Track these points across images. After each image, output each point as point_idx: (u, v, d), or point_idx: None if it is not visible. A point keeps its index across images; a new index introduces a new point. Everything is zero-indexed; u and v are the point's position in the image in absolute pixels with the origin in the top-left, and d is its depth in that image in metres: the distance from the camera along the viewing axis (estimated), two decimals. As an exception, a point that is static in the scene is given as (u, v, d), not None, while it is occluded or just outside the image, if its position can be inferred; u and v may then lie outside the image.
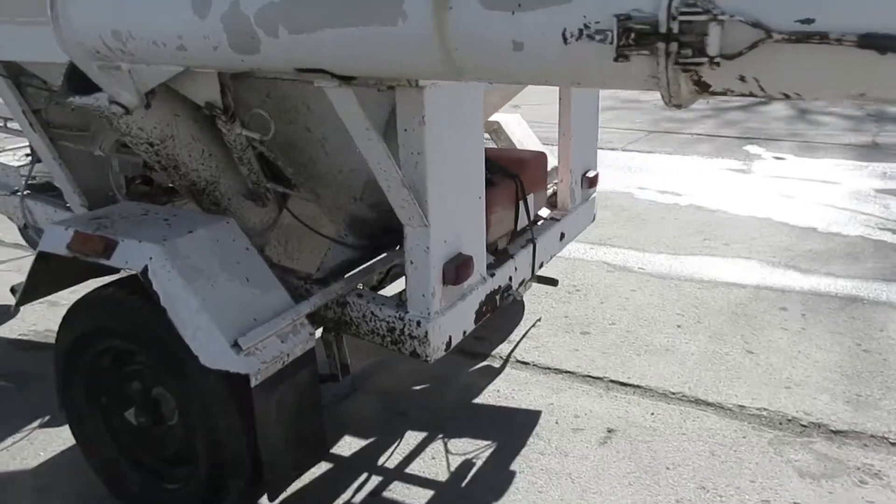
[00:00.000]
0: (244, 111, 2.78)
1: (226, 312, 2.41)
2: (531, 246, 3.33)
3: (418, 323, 2.63)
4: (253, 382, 2.35)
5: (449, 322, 2.68)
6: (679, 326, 4.46)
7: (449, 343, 2.71)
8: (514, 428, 3.48)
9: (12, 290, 3.07)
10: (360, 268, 3.04)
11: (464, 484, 3.10)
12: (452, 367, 4.03)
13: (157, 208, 2.81)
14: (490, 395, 3.79)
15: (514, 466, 3.19)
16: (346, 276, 2.93)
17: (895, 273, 5.16)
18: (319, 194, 3.19)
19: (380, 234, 3.45)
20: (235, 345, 2.34)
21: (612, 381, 3.86)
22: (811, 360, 4.00)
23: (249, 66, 2.04)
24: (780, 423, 3.43)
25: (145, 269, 2.37)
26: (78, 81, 2.70)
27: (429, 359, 2.65)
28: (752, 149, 9.11)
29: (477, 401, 3.75)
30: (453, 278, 2.62)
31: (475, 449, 3.32)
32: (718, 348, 4.16)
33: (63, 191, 3.86)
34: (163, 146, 2.85)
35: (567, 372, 3.97)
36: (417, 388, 3.90)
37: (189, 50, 2.07)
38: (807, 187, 7.29)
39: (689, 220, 6.43)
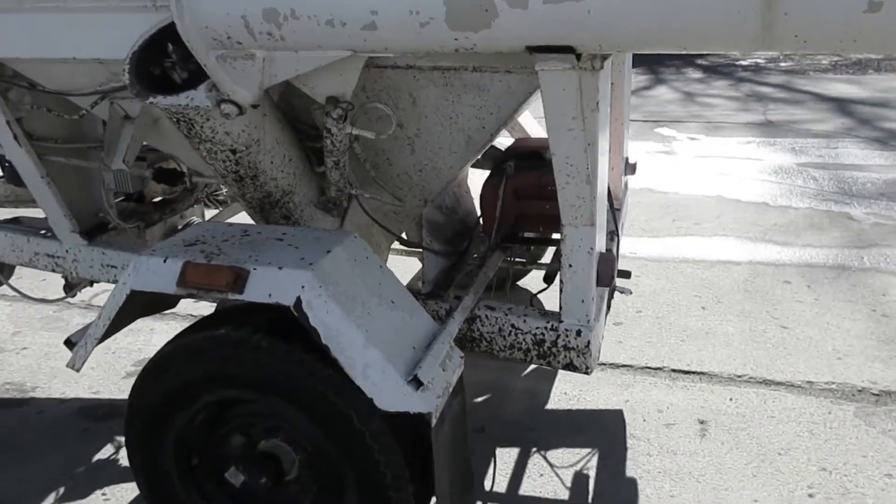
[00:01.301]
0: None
1: (391, 344, 2.04)
2: (616, 240, 3.15)
3: (578, 332, 2.37)
4: (433, 422, 2.01)
5: (601, 328, 2.45)
6: (704, 308, 4.46)
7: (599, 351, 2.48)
8: (604, 431, 3.30)
9: (68, 343, 2.47)
10: (481, 277, 2.72)
11: (591, 499, 2.88)
12: (500, 373, 3.78)
13: (248, 226, 2.35)
14: (560, 399, 3.58)
15: (630, 473, 3.01)
16: (475, 286, 2.61)
17: (862, 240, 5.47)
18: (400, 197, 2.84)
19: (453, 238, 3.15)
20: (413, 380, 1.99)
21: (673, 371, 3.77)
22: (843, 329, 4.12)
23: (456, 46, 1.69)
24: (854, 395, 3.47)
25: (298, 302, 1.95)
26: (147, 78, 2.20)
27: (589, 370, 2.41)
28: (664, 131, 9.44)
29: (550, 407, 3.53)
30: (607, 279, 2.39)
31: (578, 459, 3.11)
32: (753, 326, 4.19)
33: (48, 215, 3.22)
34: (246, 152, 2.39)
35: (624, 366, 3.84)
36: (479, 399, 3.61)
37: (381, 29, 1.69)
38: (735, 164, 7.62)
39: (652, 203, 6.51)
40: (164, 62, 2.23)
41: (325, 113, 2.26)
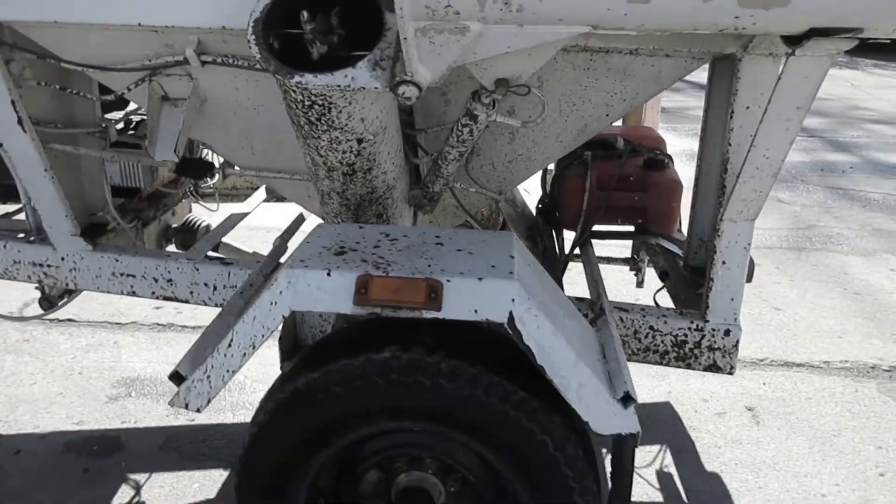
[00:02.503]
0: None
1: (590, 358, 1.83)
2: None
3: (727, 332, 2.27)
4: (637, 441, 1.83)
5: (739, 325, 2.36)
6: (695, 293, 4.54)
7: (734, 349, 2.39)
8: (663, 425, 3.26)
9: (176, 377, 1.97)
10: (592, 276, 2.54)
11: (686, 497, 2.81)
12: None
13: (385, 228, 2.01)
14: (604, 395, 3.49)
15: (709, 467, 2.98)
16: (594, 287, 2.42)
17: (801, 221, 5.85)
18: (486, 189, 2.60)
19: (526, 233, 2.95)
20: (625, 398, 1.79)
21: (698, 358, 3.80)
22: (828, 308, 4.35)
23: (734, 25, 1.50)
24: (868, 372, 3.67)
25: (511, 317, 1.68)
26: (281, 52, 1.81)
27: (733, 370, 2.31)
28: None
29: (598, 404, 3.43)
30: (751, 275, 2.30)
31: (653, 457, 3.04)
32: (749, 310, 4.32)
33: (45, 216, 2.65)
34: (372, 142, 2.05)
35: (651, 356, 3.82)
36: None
37: (657, 1, 1.46)
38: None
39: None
40: (283, 33, 1.85)
41: (475, 98, 1.98)
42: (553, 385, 1.73)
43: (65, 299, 3.00)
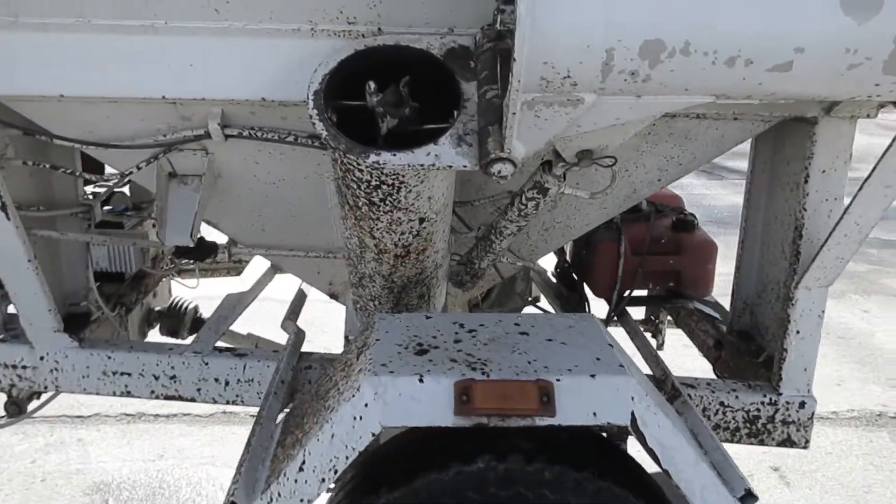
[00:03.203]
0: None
1: (703, 455, 1.66)
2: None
3: (802, 404, 2.14)
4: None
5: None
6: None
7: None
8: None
9: None
10: (648, 350, 2.38)
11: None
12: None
13: (459, 316, 1.79)
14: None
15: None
16: (655, 364, 2.26)
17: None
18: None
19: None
20: (747, 496, 1.63)
21: (709, 417, 3.70)
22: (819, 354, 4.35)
23: (875, 93, 1.39)
24: (877, 420, 3.65)
25: (633, 418, 1.49)
26: (345, 128, 1.60)
27: (808, 444, 2.19)
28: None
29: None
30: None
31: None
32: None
33: (23, 311, 2.31)
34: (433, 221, 1.85)
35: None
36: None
37: (796, 69, 1.33)
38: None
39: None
40: (343, 105, 1.65)
41: (546, 169, 1.82)
42: (645, 480, 1.55)
43: (35, 402, 2.62)
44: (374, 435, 1.47)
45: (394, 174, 1.61)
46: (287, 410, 1.98)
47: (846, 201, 1.95)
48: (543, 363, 1.56)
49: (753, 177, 2.39)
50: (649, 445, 1.51)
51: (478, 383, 1.48)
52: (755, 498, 1.63)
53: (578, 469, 1.58)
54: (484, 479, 1.56)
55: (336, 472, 1.50)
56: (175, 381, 2.36)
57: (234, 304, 2.73)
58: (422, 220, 1.81)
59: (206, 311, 3.08)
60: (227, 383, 2.34)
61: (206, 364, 2.32)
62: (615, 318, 2.66)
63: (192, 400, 2.39)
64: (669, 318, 3.02)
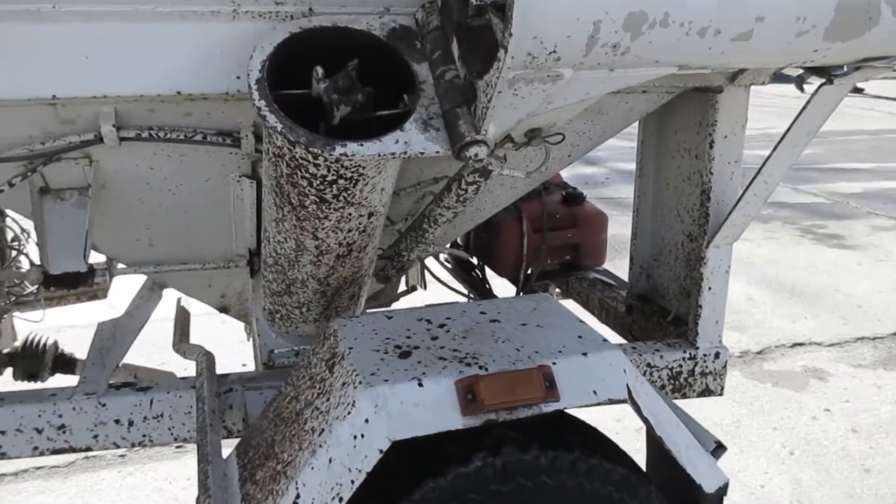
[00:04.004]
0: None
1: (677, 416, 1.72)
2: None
3: (717, 355, 2.29)
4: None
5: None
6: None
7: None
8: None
9: None
10: None
11: None
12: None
13: (418, 311, 1.68)
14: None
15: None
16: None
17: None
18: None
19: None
20: (717, 448, 1.72)
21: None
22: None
23: (807, 58, 1.48)
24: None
25: (629, 391, 1.49)
26: (300, 116, 1.44)
27: (723, 391, 2.35)
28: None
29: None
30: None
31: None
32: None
33: None
34: (380, 215, 1.72)
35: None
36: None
37: (755, 38, 1.38)
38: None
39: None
40: (286, 94, 1.49)
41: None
42: (618, 450, 1.59)
43: None
44: (381, 452, 1.35)
45: (354, 167, 1.48)
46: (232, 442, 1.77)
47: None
48: (532, 348, 1.53)
49: (643, 148, 2.51)
50: (644, 415, 1.53)
51: (481, 379, 1.41)
52: (724, 448, 1.72)
53: (570, 450, 1.56)
54: (483, 477, 1.49)
55: (341, 500, 1.35)
56: (64, 432, 2.02)
57: (113, 333, 2.39)
58: (370, 215, 1.69)
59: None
60: (130, 424, 2.04)
61: (104, 405, 2.02)
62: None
63: (88, 449, 2.07)
64: (558, 290, 3.12)
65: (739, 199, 2.03)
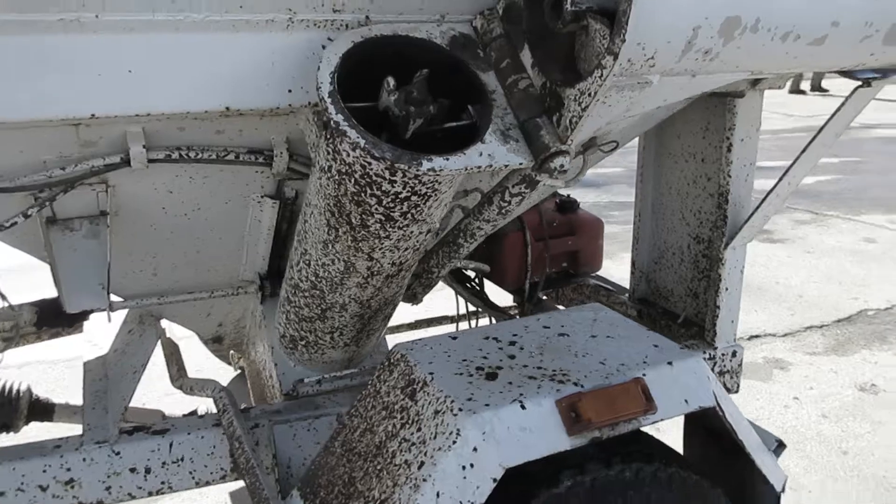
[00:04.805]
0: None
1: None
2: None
3: (734, 353, 2.33)
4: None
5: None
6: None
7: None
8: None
9: None
10: None
11: None
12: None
13: (483, 331, 1.60)
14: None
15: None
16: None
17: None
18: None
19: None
20: (778, 447, 1.75)
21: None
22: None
23: (860, 63, 1.51)
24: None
25: (716, 398, 1.48)
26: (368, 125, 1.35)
27: (738, 388, 2.39)
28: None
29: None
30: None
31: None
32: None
33: None
34: (436, 232, 1.64)
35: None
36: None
37: (828, 43, 1.38)
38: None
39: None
40: (357, 107, 1.39)
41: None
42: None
43: None
44: (495, 481, 1.28)
45: (431, 182, 1.40)
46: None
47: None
48: (616, 361, 1.49)
49: (643, 154, 2.53)
50: (728, 422, 1.52)
51: (584, 396, 1.36)
52: (785, 446, 1.74)
53: (649, 461, 1.54)
54: (575, 496, 1.44)
55: (451, 536, 1.27)
56: (73, 487, 1.83)
57: (105, 372, 2.19)
58: (428, 232, 1.61)
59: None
60: (147, 471, 1.87)
61: (117, 453, 1.83)
62: (532, 307, 2.65)
63: (101, 503, 1.87)
64: (544, 297, 3.10)
65: (763, 200, 2.07)
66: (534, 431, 1.32)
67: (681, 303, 2.51)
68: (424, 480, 1.29)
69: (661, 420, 1.44)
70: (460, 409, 1.31)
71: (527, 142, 1.42)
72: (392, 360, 1.54)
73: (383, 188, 1.40)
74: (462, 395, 1.36)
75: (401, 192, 1.41)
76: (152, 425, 1.94)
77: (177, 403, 2.56)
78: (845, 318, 4.66)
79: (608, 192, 7.65)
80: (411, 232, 1.55)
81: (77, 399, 2.22)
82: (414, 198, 1.43)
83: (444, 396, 1.36)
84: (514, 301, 2.96)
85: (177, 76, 1.38)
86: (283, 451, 1.91)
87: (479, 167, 1.36)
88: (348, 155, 1.37)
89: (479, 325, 2.95)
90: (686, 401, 1.46)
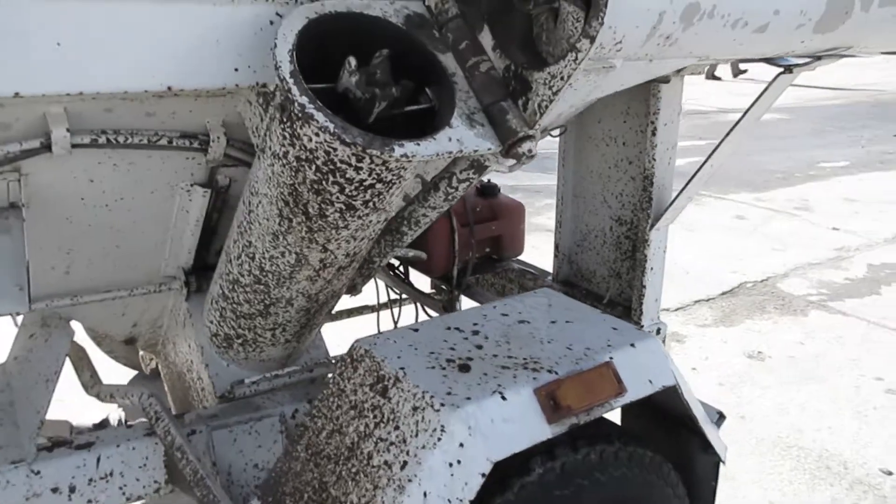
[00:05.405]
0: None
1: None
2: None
3: (658, 330, 2.41)
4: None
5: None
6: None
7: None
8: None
9: None
10: None
11: None
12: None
13: (442, 321, 1.55)
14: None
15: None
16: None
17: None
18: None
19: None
20: (719, 419, 1.83)
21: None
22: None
23: (791, 49, 1.57)
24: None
25: (674, 377, 1.52)
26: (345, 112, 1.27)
27: (662, 364, 2.48)
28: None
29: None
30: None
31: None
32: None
33: None
34: (388, 221, 1.57)
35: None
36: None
37: (769, 31, 1.42)
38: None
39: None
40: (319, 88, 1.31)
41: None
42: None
43: None
44: (483, 476, 1.25)
45: (397, 169, 1.34)
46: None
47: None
48: (582, 345, 1.50)
49: (564, 138, 2.56)
50: (685, 399, 1.57)
51: (561, 383, 1.36)
52: (724, 417, 1.83)
53: (610, 441, 1.57)
54: (547, 483, 1.45)
55: (441, 534, 1.23)
56: (-15, 514, 1.63)
57: (8, 382, 1.97)
58: (384, 221, 1.55)
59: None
60: (73, 490, 1.70)
61: (37, 473, 1.66)
62: (459, 293, 2.64)
63: (16, 530, 1.69)
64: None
65: (688, 183, 2.14)
66: (516, 422, 1.30)
67: (604, 283, 2.58)
68: (409, 481, 1.24)
69: (630, 402, 1.46)
70: (442, 405, 1.27)
71: (493, 126, 1.38)
72: (355, 357, 1.47)
73: (347, 175, 1.33)
74: (440, 389, 1.32)
75: (366, 180, 1.34)
76: (74, 440, 1.77)
77: (65, 409, 2.33)
78: (728, 291, 4.98)
79: (514, 178, 7.73)
80: (370, 221, 1.49)
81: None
82: (378, 185, 1.37)
83: (422, 392, 1.31)
84: (433, 287, 2.94)
85: (112, 51, 1.24)
86: (223, 457, 1.79)
87: (451, 153, 1.31)
88: (310, 140, 1.28)
89: (401, 312, 2.90)
90: (650, 381, 1.49)
